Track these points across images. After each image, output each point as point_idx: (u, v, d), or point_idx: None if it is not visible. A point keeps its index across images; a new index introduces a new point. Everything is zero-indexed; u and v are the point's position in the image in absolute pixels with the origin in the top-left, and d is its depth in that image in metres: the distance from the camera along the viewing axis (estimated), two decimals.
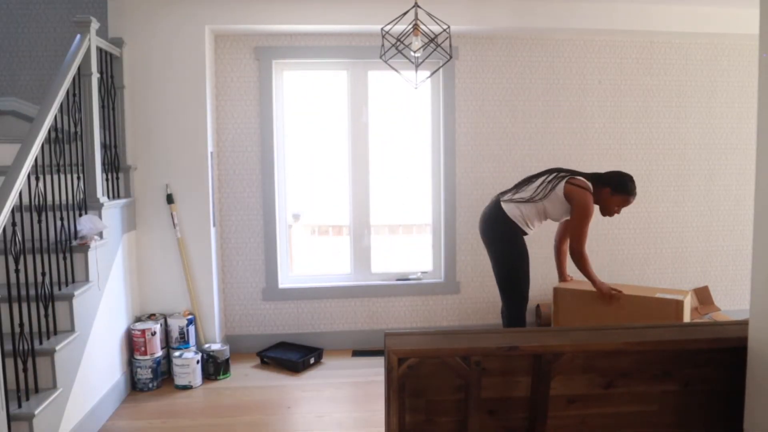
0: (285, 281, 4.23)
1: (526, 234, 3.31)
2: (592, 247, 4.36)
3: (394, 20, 2.95)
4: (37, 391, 2.48)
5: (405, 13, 2.93)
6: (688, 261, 4.50)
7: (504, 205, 3.26)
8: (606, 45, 4.26)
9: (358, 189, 4.22)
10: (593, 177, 3.31)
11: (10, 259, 2.39)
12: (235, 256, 4.11)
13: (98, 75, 3.25)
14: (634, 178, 3.33)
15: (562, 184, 3.22)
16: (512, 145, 4.24)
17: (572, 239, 3.25)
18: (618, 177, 3.28)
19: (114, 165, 3.51)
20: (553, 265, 4.37)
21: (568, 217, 3.32)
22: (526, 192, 3.28)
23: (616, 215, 3.37)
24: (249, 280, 4.13)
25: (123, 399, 3.37)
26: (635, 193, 3.30)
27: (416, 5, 2.91)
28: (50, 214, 2.75)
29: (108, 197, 3.36)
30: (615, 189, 3.26)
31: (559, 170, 3.34)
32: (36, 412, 2.34)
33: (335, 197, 4.33)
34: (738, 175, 4.47)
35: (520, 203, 3.25)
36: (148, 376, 3.48)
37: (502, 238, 3.27)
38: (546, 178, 3.28)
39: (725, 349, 2.22)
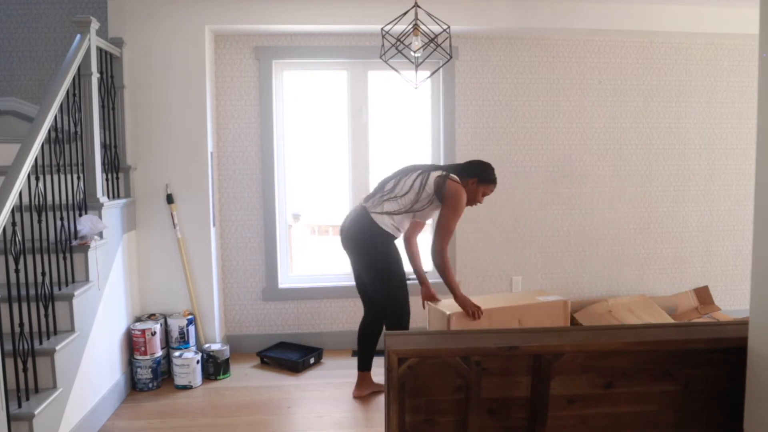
0: (285, 281, 4.23)
1: (396, 239, 3.20)
2: (592, 248, 4.38)
3: (394, 20, 2.95)
4: (37, 391, 2.48)
5: (405, 13, 2.94)
6: (688, 261, 4.50)
7: (375, 217, 3.09)
8: (606, 45, 4.26)
9: (358, 189, 4.22)
10: (456, 169, 3.19)
11: (10, 259, 2.39)
12: (235, 256, 4.11)
13: (98, 75, 3.25)
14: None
15: (445, 185, 3.07)
16: (512, 145, 4.24)
17: (437, 235, 3.06)
18: (481, 166, 3.20)
19: (114, 165, 3.51)
20: (555, 265, 4.38)
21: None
22: (399, 202, 3.11)
23: (480, 205, 3.29)
24: (249, 280, 4.13)
25: (123, 399, 3.37)
26: (496, 180, 3.23)
27: (416, 5, 2.92)
28: (50, 214, 2.75)
29: (108, 197, 3.36)
30: (480, 179, 3.17)
31: (422, 168, 3.19)
32: (36, 412, 2.34)
33: (335, 197, 4.33)
34: (738, 175, 4.47)
35: (393, 215, 3.11)
36: (148, 376, 3.48)
37: (377, 248, 3.13)
38: (420, 183, 3.10)
39: (725, 349, 2.22)
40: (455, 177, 3.13)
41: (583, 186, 4.33)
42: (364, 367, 3.39)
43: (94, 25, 3.14)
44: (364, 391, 3.39)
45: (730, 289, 4.56)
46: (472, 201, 3.20)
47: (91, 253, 2.98)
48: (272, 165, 4.05)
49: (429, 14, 2.89)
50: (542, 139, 4.26)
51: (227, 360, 3.70)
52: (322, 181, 4.35)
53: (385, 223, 3.10)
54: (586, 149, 4.31)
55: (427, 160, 4.28)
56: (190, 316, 3.67)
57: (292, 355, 3.88)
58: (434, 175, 3.12)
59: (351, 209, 3.32)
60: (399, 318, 3.17)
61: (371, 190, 3.36)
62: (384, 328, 3.30)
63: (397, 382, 2.11)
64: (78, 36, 3.06)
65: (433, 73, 3.79)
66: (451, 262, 4.23)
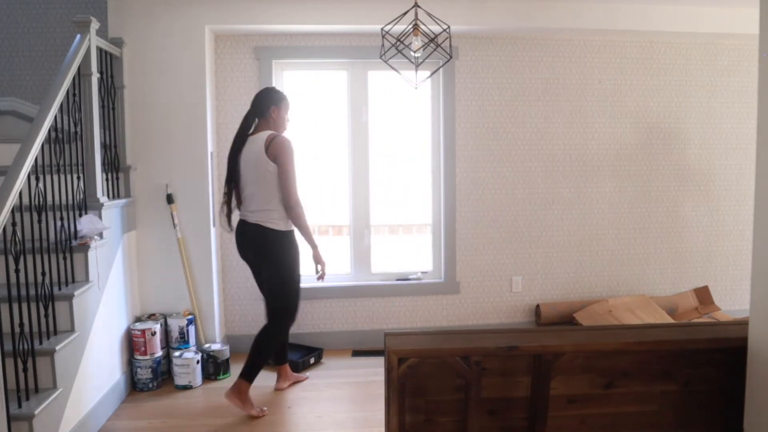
0: None
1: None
2: (592, 248, 4.38)
3: (394, 20, 2.95)
4: (37, 391, 2.48)
5: (405, 13, 2.93)
6: (688, 261, 4.50)
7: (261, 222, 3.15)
8: (606, 45, 4.26)
9: (358, 189, 4.22)
10: (255, 115, 3.23)
11: (10, 259, 2.39)
12: (235, 255, 4.09)
13: (98, 75, 3.25)
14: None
15: (263, 150, 3.09)
16: (512, 145, 4.24)
17: (287, 191, 3.06)
18: (270, 94, 3.26)
19: (114, 165, 3.51)
20: (555, 265, 4.38)
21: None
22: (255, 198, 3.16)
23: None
24: (249, 280, 4.11)
25: (123, 399, 3.37)
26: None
27: (416, 5, 2.91)
28: (50, 214, 2.75)
29: (108, 197, 3.36)
30: (278, 103, 3.24)
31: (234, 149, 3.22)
32: (36, 412, 2.34)
33: (335, 197, 4.33)
34: (738, 175, 4.47)
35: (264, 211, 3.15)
36: (148, 376, 3.48)
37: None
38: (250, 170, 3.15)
39: (725, 349, 2.22)
40: (269, 134, 3.15)
41: (583, 186, 4.33)
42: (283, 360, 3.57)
43: (94, 25, 3.14)
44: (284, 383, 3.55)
45: (730, 289, 4.56)
46: (284, 125, 3.29)
47: (91, 253, 2.98)
48: None
49: (429, 14, 2.89)
50: (542, 139, 4.26)
51: (227, 360, 3.70)
52: (322, 181, 4.35)
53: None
54: (586, 149, 4.31)
55: (427, 160, 4.28)
56: (190, 316, 3.67)
57: (292, 355, 3.87)
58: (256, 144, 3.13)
59: None
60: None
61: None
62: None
63: (397, 382, 2.12)
64: (78, 36, 3.06)
65: (433, 73, 3.79)
66: (450, 258, 4.25)
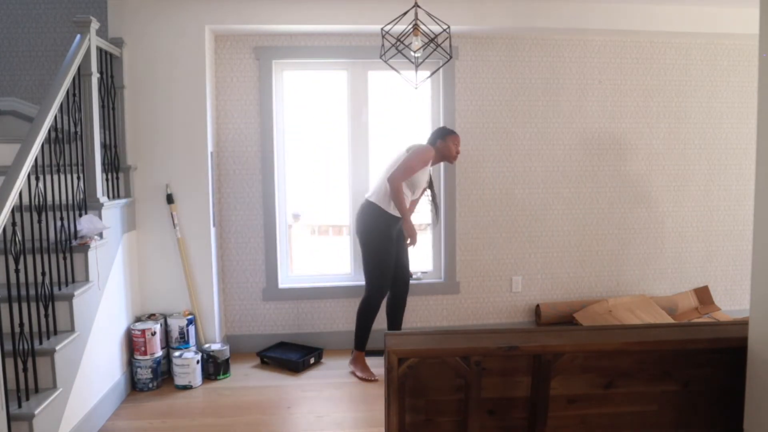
0: (285, 281, 4.23)
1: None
2: (592, 248, 4.38)
3: (394, 20, 2.95)
4: (37, 391, 2.48)
5: (405, 13, 2.94)
6: (688, 261, 4.50)
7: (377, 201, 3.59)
8: (606, 45, 4.26)
9: (358, 189, 4.22)
10: (429, 143, 3.70)
11: (10, 259, 2.39)
12: (235, 256, 4.11)
13: (98, 75, 3.25)
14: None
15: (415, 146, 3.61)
16: (512, 145, 4.24)
17: (398, 170, 3.48)
18: (438, 131, 3.71)
19: (114, 165, 3.51)
20: (555, 265, 4.38)
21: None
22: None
23: (459, 157, 3.83)
24: (249, 280, 4.13)
25: (123, 399, 3.37)
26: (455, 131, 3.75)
27: (416, 5, 2.92)
28: (50, 214, 2.75)
29: (108, 197, 3.36)
30: (443, 138, 3.64)
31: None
32: (36, 412, 2.34)
33: (335, 197, 4.33)
34: (738, 176, 4.47)
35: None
36: (148, 376, 3.48)
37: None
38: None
39: (725, 349, 2.22)
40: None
41: (583, 186, 4.33)
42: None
43: (94, 25, 3.14)
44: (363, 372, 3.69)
45: (730, 289, 4.56)
46: (453, 155, 3.68)
47: (91, 253, 2.98)
48: (272, 165, 4.05)
49: (429, 14, 2.89)
50: (542, 139, 4.26)
51: (227, 360, 3.70)
52: (322, 181, 4.35)
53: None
54: (586, 149, 4.32)
55: None
56: (190, 316, 3.67)
57: (292, 355, 3.88)
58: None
59: None
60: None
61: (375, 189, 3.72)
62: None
63: (397, 382, 2.12)
64: (78, 36, 3.06)
65: (433, 73, 3.79)
66: (450, 258, 4.26)
